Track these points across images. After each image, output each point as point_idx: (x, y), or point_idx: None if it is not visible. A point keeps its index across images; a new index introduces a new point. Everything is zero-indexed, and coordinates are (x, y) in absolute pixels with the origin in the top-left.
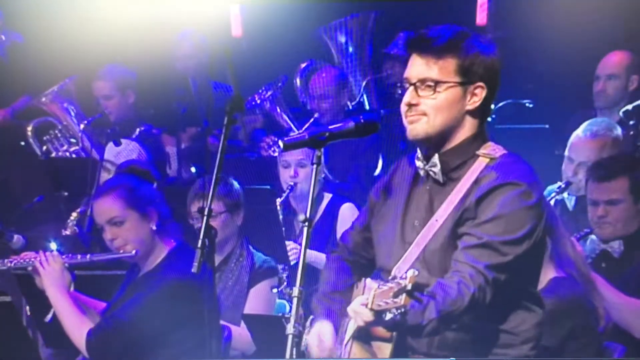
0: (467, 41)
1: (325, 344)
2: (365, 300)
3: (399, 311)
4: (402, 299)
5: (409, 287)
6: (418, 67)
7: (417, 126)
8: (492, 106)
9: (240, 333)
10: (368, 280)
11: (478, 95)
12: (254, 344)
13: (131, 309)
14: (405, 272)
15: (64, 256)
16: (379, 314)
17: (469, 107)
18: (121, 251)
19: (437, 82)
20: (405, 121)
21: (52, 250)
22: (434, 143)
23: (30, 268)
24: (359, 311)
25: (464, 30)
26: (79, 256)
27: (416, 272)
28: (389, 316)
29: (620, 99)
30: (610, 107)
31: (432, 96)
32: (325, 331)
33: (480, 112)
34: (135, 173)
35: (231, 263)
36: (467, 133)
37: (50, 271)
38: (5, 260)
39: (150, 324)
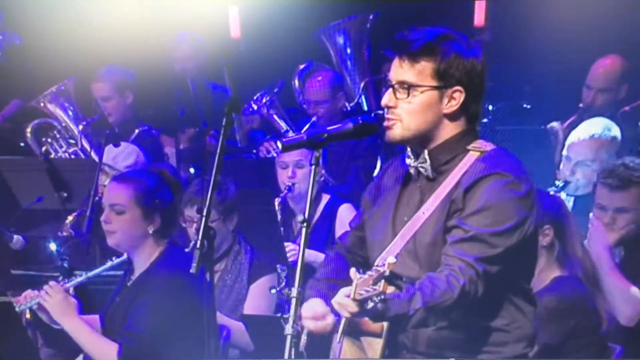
0: (445, 44)
1: (319, 311)
2: (348, 291)
3: (378, 298)
4: (381, 285)
5: (387, 273)
6: (397, 69)
7: (393, 131)
8: (490, 107)
9: (242, 329)
10: (352, 270)
11: (456, 99)
12: None
13: (142, 319)
14: (384, 260)
15: (61, 283)
16: (361, 303)
17: (446, 110)
18: (113, 258)
19: (411, 86)
20: (384, 124)
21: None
22: (415, 144)
23: (35, 306)
24: (342, 303)
25: (445, 33)
26: (75, 278)
27: (394, 260)
28: (370, 305)
29: (606, 109)
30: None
31: (407, 99)
32: (316, 302)
33: (463, 114)
34: (164, 177)
35: (229, 261)
36: (455, 130)
37: (55, 303)
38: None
39: (164, 327)
